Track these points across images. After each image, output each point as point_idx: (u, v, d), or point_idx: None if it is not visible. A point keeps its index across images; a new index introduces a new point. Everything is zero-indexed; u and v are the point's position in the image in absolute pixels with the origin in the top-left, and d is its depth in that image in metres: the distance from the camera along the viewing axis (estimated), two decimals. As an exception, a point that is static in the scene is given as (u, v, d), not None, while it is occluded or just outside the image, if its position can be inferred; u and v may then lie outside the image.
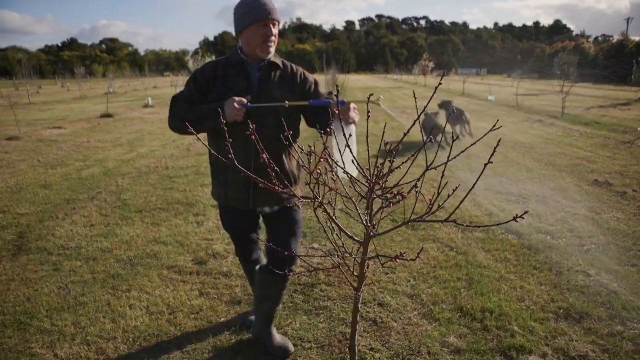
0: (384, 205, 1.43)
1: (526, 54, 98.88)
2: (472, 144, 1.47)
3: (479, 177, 1.31)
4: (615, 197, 5.76)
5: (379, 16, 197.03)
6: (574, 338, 2.77)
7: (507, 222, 1.51)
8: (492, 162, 1.31)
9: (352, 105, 2.20)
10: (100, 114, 16.68)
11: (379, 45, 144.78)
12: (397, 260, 1.43)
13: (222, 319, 3.05)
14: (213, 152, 1.86)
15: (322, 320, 3.01)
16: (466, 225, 1.54)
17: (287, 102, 2.22)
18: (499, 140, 1.41)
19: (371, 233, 1.52)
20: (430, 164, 1.33)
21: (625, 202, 5.52)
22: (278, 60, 2.40)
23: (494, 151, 1.24)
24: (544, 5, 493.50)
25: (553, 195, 5.83)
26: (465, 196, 1.45)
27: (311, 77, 2.50)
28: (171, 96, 2.50)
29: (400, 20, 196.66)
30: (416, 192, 1.28)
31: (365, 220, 1.50)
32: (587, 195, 5.85)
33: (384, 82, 51.09)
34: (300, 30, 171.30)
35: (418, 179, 1.29)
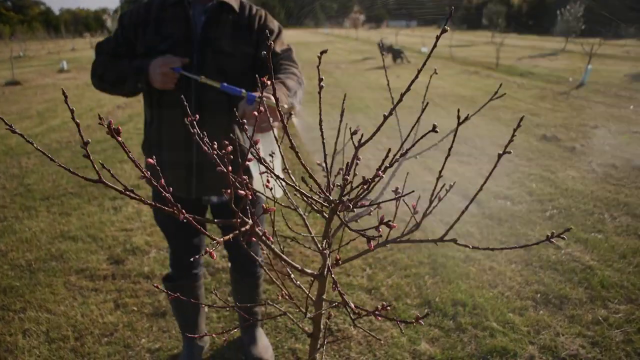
0: (347, 221, 0.90)
1: (456, 5, 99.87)
2: (452, 133, 0.92)
3: (488, 177, 0.79)
4: (566, 152, 5.55)
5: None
6: (559, 331, 2.41)
7: (535, 244, 1.00)
8: (510, 152, 0.80)
9: (264, 104, 1.49)
10: (5, 82, 14.83)
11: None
12: (378, 316, 0.90)
13: (143, 339, 2.45)
14: (147, 118, 1.33)
15: (267, 331, 2.47)
16: (472, 248, 1.02)
17: (202, 77, 1.60)
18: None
19: (329, 262, 0.99)
20: (399, 154, 0.77)
21: (576, 159, 5.31)
22: (234, 1, 1.76)
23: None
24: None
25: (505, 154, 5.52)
26: (467, 206, 0.92)
27: (274, 23, 1.85)
28: (96, 43, 1.92)
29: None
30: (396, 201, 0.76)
31: (323, 244, 0.95)
32: (539, 152, 5.59)
33: (316, 37, 49.85)
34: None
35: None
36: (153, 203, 0.76)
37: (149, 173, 0.69)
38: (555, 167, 5.00)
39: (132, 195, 0.75)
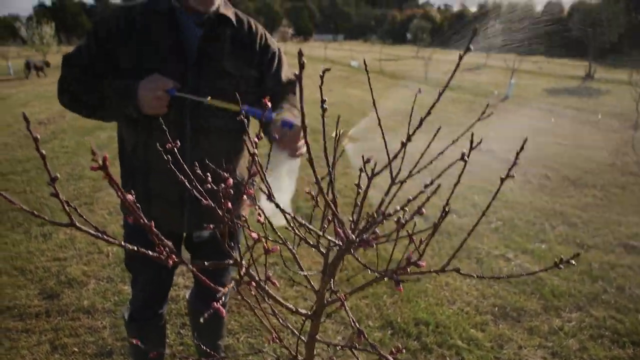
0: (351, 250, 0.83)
1: (379, 21, 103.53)
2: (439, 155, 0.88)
3: (493, 198, 0.74)
4: (500, 164, 5.77)
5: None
6: (520, 344, 2.44)
7: (542, 270, 0.97)
8: (513, 176, 0.76)
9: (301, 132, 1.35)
10: None
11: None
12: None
13: (88, 385, 2.21)
14: (128, 144, 1.27)
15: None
16: (478, 277, 0.97)
17: (209, 98, 1.38)
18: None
19: (326, 299, 0.92)
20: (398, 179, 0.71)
21: (511, 170, 5.54)
22: (230, 13, 1.54)
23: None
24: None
25: (444, 167, 5.67)
26: (470, 232, 0.87)
27: (274, 43, 1.67)
28: (62, 55, 1.57)
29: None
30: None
31: (322, 284, 0.88)
32: (476, 164, 5.79)
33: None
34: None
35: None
36: (135, 247, 0.63)
37: (138, 207, 0.57)
38: (494, 179, 5.17)
39: (110, 239, 0.63)
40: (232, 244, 1.91)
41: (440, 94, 0.73)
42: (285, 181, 1.32)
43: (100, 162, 0.43)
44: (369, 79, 0.83)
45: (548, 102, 11.23)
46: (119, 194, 0.52)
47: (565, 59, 34.11)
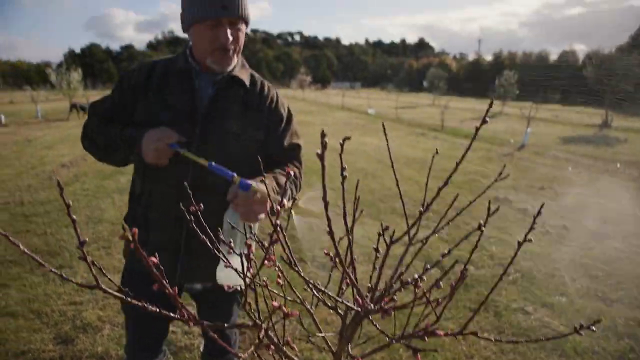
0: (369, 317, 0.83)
1: (396, 69, 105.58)
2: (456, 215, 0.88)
3: (514, 258, 0.74)
4: (519, 214, 5.72)
5: (254, 31, 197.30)
6: (542, 405, 2.35)
7: (564, 336, 0.95)
8: (530, 240, 0.76)
9: (258, 194, 1.36)
10: None
11: (255, 60, 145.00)
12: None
13: None
14: (136, 190, 1.33)
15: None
16: (495, 341, 0.96)
17: (182, 151, 1.46)
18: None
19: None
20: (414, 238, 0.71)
21: (529, 220, 5.46)
22: (244, 75, 1.63)
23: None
24: (407, 24, 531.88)
25: (460, 216, 5.63)
26: (486, 299, 0.87)
27: (284, 107, 1.72)
28: (89, 103, 1.77)
29: (275, 35, 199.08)
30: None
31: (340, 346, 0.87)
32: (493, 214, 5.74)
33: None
34: (174, 43, 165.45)
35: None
36: (158, 309, 0.65)
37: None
38: (511, 229, 5.12)
39: (134, 302, 0.64)
40: (236, 296, 1.88)
41: (449, 178, 0.75)
42: (238, 244, 1.32)
43: (130, 236, 0.45)
44: (385, 131, 0.85)
45: (565, 151, 11.20)
46: (146, 261, 0.54)
47: (581, 107, 34.19)
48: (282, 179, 1.51)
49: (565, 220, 5.46)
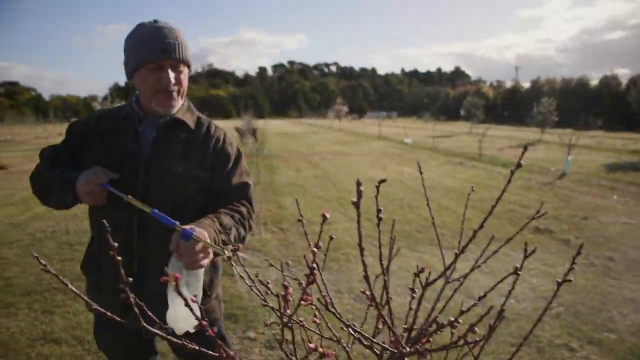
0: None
1: (432, 98, 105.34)
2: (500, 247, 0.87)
3: (555, 293, 0.72)
4: (561, 245, 5.53)
5: (291, 62, 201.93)
6: None
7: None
8: (570, 281, 0.74)
9: (199, 244, 1.30)
10: (-9, 166, 14.69)
11: (292, 90, 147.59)
12: None
13: None
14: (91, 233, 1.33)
15: None
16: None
17: (129, 196, 1.41)
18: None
19: None
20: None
21: (572, 252, 5.29)
22: (188, 117, 1.67)
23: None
24: (443, 53, 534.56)
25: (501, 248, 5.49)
26: (535, 326, 0.85)
27: (233, 147, 1.74)
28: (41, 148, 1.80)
29: (311, 66, 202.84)
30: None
31: None
32: (534, 245, 5.57)
33: (299, 127, 51.37)
34: (213, 76, 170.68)
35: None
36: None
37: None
38: (553, 261, 4.96)
39: (172, 339, 0.67)
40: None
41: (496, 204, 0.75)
42: (184, 291, 1.33)
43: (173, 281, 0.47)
44: (419, 164, 0.87)
45: (609, 178, 10.82)
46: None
47: (625, 133, 33.13)
48: (226, 220, 1.50)
49: (612, 251, 5.25)
